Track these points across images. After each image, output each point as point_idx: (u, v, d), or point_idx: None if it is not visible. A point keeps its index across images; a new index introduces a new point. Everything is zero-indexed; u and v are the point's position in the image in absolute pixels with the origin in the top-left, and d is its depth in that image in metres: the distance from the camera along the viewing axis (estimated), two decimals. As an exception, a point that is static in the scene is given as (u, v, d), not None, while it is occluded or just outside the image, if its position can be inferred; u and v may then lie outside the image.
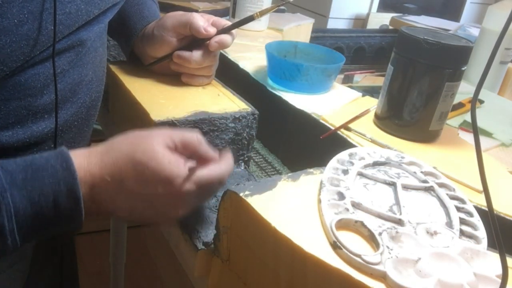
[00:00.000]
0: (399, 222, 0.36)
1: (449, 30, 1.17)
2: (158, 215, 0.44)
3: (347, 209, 0.36)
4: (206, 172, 0.43)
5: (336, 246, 0.32)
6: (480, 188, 0.47)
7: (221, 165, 0.45)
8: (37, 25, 0.43)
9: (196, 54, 0.60)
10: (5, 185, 0.37)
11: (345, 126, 0.58)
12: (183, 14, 0.61)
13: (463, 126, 0.67)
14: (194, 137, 0.45)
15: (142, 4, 0.67)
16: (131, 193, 0.42)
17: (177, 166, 0.42)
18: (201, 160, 0.45)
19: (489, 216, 0.30)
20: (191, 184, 0.42)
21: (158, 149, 0.42)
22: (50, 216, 0.39)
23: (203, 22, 0.59)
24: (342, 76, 0.95)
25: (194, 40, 0.60)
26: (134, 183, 0.41)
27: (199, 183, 0.43)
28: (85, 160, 0.41)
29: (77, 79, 0.51)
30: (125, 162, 0.41)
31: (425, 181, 0.43)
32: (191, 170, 0.43)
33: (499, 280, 0.30)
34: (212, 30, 0.59)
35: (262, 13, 0.63)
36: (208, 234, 0.47)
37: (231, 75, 0.74)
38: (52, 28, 0.44)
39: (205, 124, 0.53)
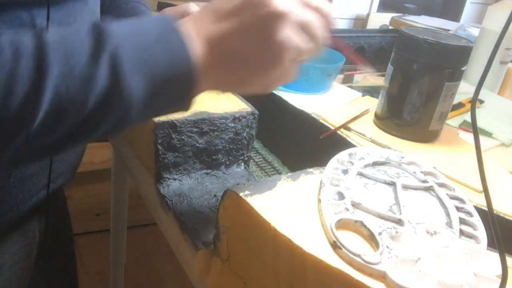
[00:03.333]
0: (399, 222, 0.36)
1: (449, 30, 1.17)
2: (253, 47, 0.37)
3: (347, 209, 0.36)
4: None
5: (336, 246, 0.32)
6: (480, 188, 0.47)
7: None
8: None
9: None
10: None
11: (345, 126, 0.58)
12: (178, 6, 0.61)
13: (463, 126, 0.67)
14: None
15: (135, 8, 0.67)
16: (220, 15, 0.37)
17: None
18: None
19: (489, 216, 0.30)
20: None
21: None
22: (153, 41, 0.35)
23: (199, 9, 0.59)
24: (342, 76, 0.95)
25: None
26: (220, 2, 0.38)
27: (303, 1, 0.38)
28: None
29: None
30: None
31: (425, 181, 0.43)
32: None
33: (499, 280, 0.30)
34: None
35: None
36: (208, 234, 0.47)
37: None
38: None
39: (205, 124, 0.53)
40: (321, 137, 0.57)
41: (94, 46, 0.33)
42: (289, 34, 0.37)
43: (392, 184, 0.42)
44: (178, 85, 0.36)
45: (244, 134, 0.57)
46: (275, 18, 0.36)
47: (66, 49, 0.32)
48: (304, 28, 0.38)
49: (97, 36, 0.33)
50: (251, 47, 0.37)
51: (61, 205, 0.67)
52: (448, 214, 0.38)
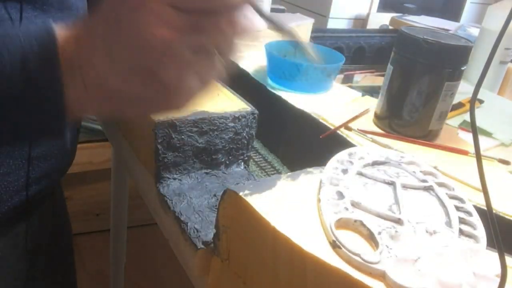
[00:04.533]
0: (399, 222, 0.36)
1: (449, 30, 1.17)
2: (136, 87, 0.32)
3: (347, 209, 0.36)
4: None
5: (335, 245, 0.32)
6: (480, 187, 0.47)
7: None
8: None
9: None
10: None
11: (345, 126, 0.58)
12: None
13: (463, 126, 0.67)
14: None
15: None
16: (101, 31, 0.32)
17: None
18: None
19: (488, 216, 0.31)
20: None
21: None
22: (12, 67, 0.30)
23: None
24: (342, 76, 0.95)
25: None
26: (102, 16, 0.32)
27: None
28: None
29: None
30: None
31: (424, 181, 0.43)
32: None
33: (498, 280, 0.30)
34: None
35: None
36: (208, 233, 0.47)
37: (231, 75, 0.74)
38: None
39: (205, 123, 0.54)
40: (321, 137, 0.57)
41: None
42: (175, 75, 0.31)
43: (392, 183, 0.42)
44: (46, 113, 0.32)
45: (244, 134, 0.57)
46: (156, 53, 0.30)
47: None
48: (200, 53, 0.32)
49: None
50: (134, 86, 0.32)
51: (60, 206, 0.67)
52: (447, 214, 0.38)
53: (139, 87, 0.32)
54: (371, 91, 0.80)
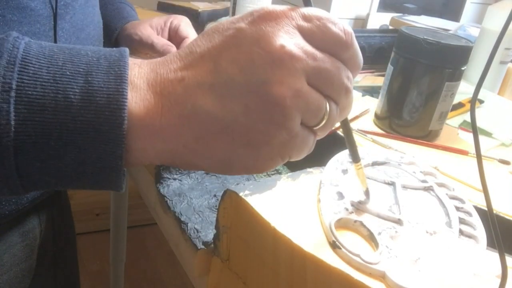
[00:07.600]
0: (399, 222, 0.36)
1: (449, 30, 1.17)
2: (238, 105, 0.25)
3: (346, 209, 0.36)
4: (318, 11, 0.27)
5: (335, 245, 0.32)
6: (480, 187, 0.47)
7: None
8: None
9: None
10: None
11: (345, 126, 0.58)
12: (166, 16, 0.68)
13: (463, 126, 0.67)
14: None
15: (121, 9, 0.72)
16: (192, 59, 0.26)
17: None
18: None
19: (488, 216, 0.31)
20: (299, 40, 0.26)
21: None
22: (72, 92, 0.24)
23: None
24: (342, 76, 0.95)
25: None
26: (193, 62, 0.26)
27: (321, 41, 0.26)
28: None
29: (79, 25, 0.51)
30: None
31: (424, 181, 0.43)
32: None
33: (499, 280, 0.30)
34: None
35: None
36: (208, 233, 0.47)
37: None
38: None
39: (205, 124, 0.53)
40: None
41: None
42: (299, 87, 0.25)
43: (392, 184, 0.42)
44: (104, 155, 0.25)
45: (244, 134, 0.57)
46: (277, 63, 0.25)
47: None
48: (322, 79, 0.26)
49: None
50: (234, 104, 0.25)
51: (64, 205, 0.67)
52: (447, 214, 0.38)
53: (244, 105, 0.25)
54: (371, 91, 0.80)
